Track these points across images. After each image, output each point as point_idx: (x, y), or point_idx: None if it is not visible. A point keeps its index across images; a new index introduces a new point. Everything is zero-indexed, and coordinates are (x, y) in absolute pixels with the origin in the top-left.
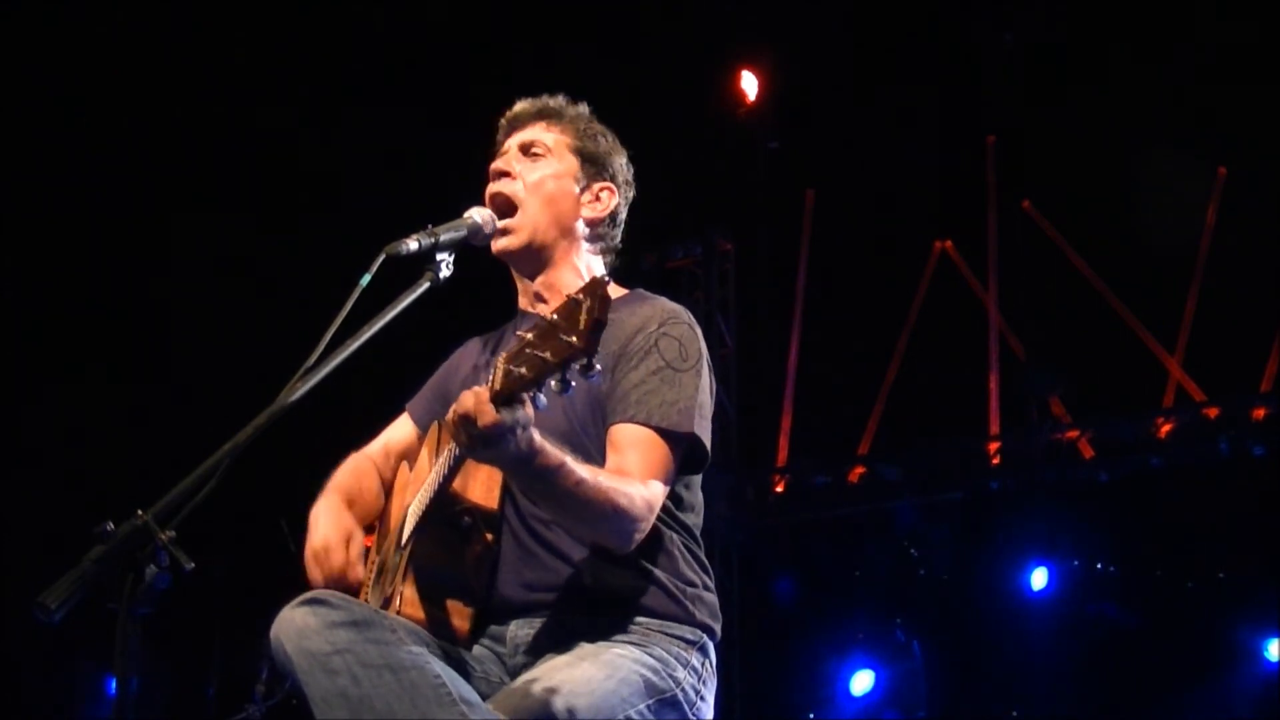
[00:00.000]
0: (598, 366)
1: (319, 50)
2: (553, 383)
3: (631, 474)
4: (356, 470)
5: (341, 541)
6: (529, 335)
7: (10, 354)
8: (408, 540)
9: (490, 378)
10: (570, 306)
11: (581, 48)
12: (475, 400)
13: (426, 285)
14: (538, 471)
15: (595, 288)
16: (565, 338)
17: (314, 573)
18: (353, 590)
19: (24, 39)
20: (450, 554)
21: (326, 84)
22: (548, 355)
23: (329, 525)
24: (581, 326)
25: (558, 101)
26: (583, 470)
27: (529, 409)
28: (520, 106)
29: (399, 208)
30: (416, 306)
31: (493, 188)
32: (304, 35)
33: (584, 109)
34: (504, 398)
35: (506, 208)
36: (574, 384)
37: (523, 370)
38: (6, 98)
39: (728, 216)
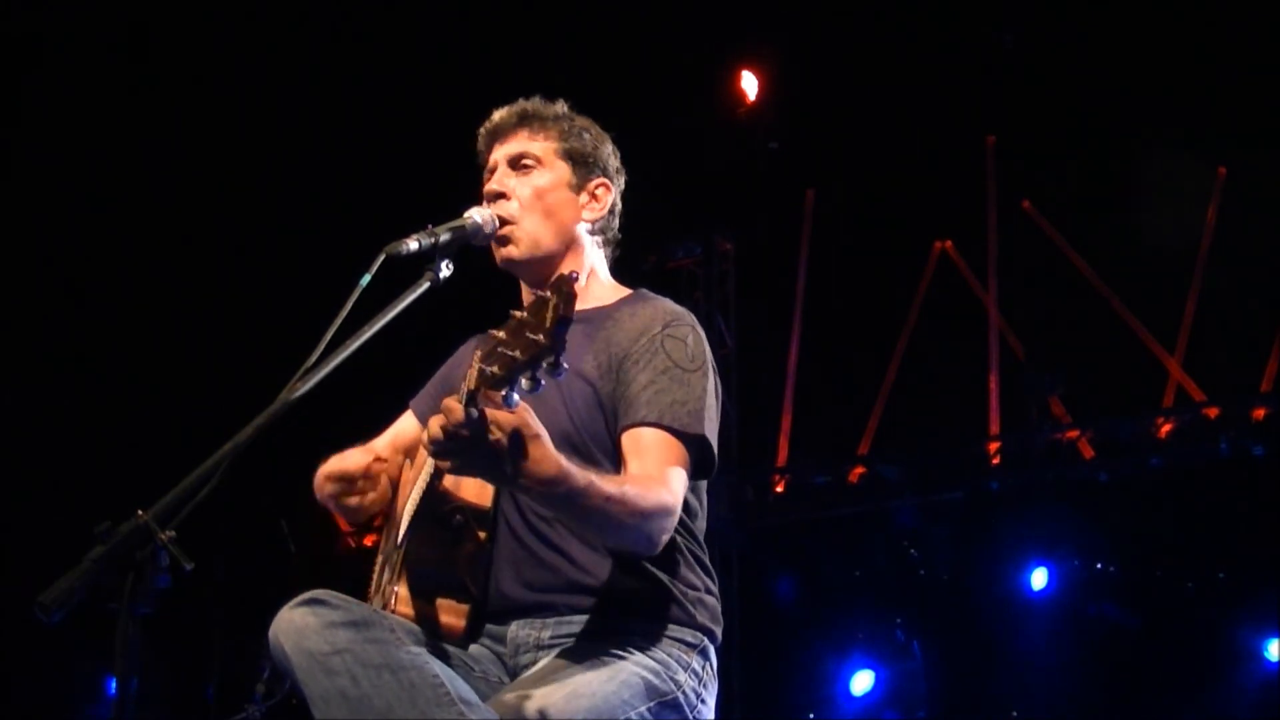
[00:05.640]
0: (564, 365)
1: (319, 49)
2: (523, 381)
3: (654, 478)
4: (362, 448)
5: (365, 453)
6: (501, 334)
7: (10, 354)
8: (403, 539)
9: (467, 376)
10: (538, 304)
11: (582, 47)
12: (445, 405)
13: (426, 285)
14: (564, 496)
15: (563, 284)
16: (532, 335)
17: (350, 500)
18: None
19: (24, 38)
20: (442, 552)
21: (327, 83)
22: (516, 354)
23: (340, 458)
24: (547, 324)
25: (535, 105)
26: (610, 486)
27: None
28: (500, 116)
29: (399, 208)
30: (416, 306)
31: (492, 210)
32: (304, 33)
33: (562, 107)
34: (474, 397)
35: (507, 227)
36: (544, 382)
37: (494, 369)
38: (10, 94)
39: (728, 216)
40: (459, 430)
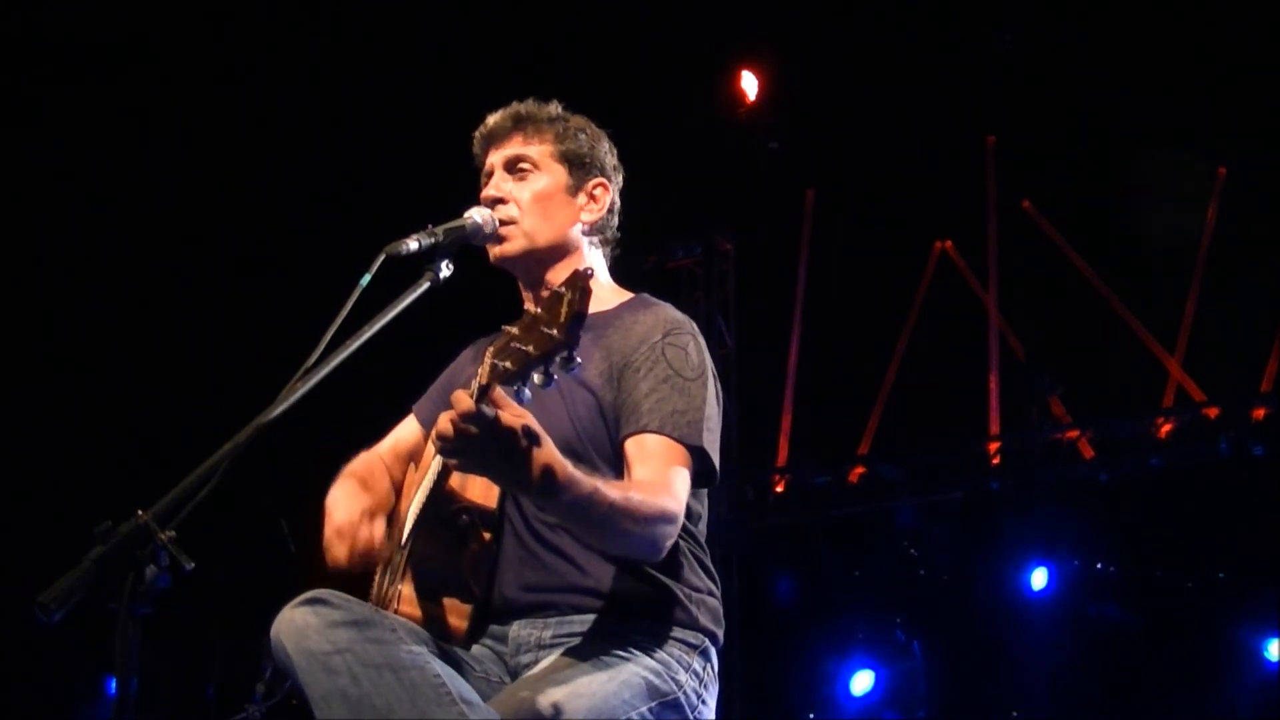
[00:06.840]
0: (578, 359)
1: (319, 49)
2: (536, 376)
3: (658, 485)
4: (368, 462)
5: (366, 518)
6: (514, 329)
7: (10, 353)
8: (407, 539)
9: (479, 373)
10: (552, 299)
11: (582, 47)
12: (454, 398)
13: (426, 285)
14: (570, 503)
15: (578, 279)
16: (546, 330)
17: (338, 550)
18: (375, 566)
19: (24, 37)
20: (447, 552)
21: (327, 83)
22: (530, 348)
23: (350, 504)
24: (562, 319)
25: (529, 107)
26: (614, 493)
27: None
28: (494, 120)
29: (399, 208)
30: (416, 306)
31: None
32: (304, 33)
33: (556, 108)
34: (486, 393)
35: (506, 227)
36: (556, 377)
37: (507, 364)
38: (10, 94)
39: (728, 216)
40: (468, 425)
